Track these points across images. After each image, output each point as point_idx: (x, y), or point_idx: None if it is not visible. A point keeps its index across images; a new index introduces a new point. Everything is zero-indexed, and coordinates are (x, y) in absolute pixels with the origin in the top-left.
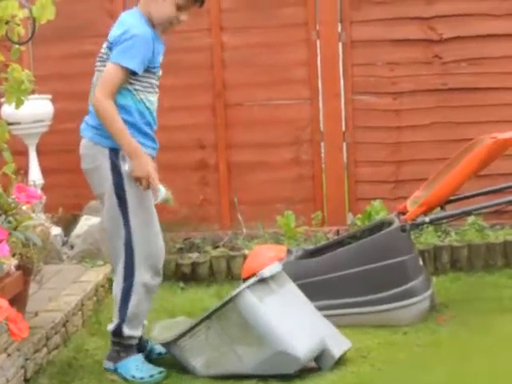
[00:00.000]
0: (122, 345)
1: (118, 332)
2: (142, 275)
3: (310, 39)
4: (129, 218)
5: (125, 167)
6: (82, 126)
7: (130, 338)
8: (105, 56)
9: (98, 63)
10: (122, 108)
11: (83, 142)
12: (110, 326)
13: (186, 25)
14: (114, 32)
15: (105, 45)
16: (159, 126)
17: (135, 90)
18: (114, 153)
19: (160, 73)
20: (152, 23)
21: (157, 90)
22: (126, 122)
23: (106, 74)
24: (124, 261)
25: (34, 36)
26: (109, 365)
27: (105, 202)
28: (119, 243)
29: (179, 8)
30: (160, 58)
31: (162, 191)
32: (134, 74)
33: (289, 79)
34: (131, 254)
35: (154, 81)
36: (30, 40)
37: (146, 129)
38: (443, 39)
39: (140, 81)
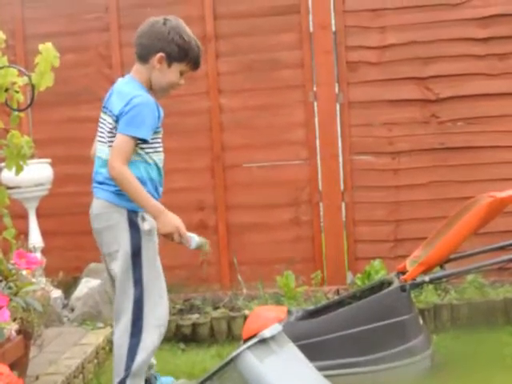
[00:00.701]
0: None
1: None
2: (151, 333)
3: (307, 101)
4: (142, 276)
5: (143, 227)
6: (96, 190)
7: None
8: (114, 130)
9: (109, 138)
10: (149, 181)
11: (98, 202)
12: (115, 382)
13: (184, 88)
14: (117, 104)
15: (110, 119)
16: None
17: (147, 153)
18: (133, 213)
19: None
20: (150, 89)
21: (162, 144)
22: None
23: (118, 145)
24: (131, 318)
25: (34, 101)
26: None
27: (118, 260)
28: (126, 300)
29: (181, 73)
30: None
31: (195, 238)
32: (143, 140)
33: (287, 140)
34: (140, 312)
35: (159, 139)
36: (29, 107)
37: (155, 194)
38: (440, 99)
39: (150, 143)
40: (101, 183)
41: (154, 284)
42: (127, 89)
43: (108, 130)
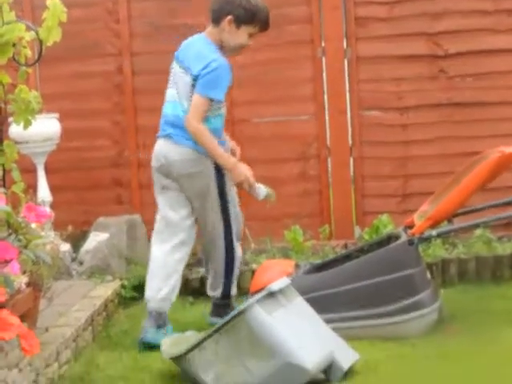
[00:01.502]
0: (227, 305)
1: (227, 292)
2: (238, 249)
3: (315, 56)
4: (229, 208)
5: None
6: (175, 137)
7: (232, 297)
8: (193, 88)
9: (189, 93)
10: (214, 131)
11: (179, 148)
12: (218, 292)
13: None
14: (196, 65)
15: (188, 78)
16: None
17: (218, 108)
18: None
19: None
20: (221, 49)
21: None
22: None
23: (195, 104)
24: (224, 241)
25: (41, 56)
26: (217, 320)
27: (207, 198)
28: (217, 228)
29: (250, 35)
30: None
31: (263, 189)
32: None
33: (295, 96)
34: (231, 235)
35: None
36: (37, 62)
37: (221, 141)
38: (448, 54)
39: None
40: (181, 128)
41: (234, 210)
42: (205, 51)
43: (189, 86)
